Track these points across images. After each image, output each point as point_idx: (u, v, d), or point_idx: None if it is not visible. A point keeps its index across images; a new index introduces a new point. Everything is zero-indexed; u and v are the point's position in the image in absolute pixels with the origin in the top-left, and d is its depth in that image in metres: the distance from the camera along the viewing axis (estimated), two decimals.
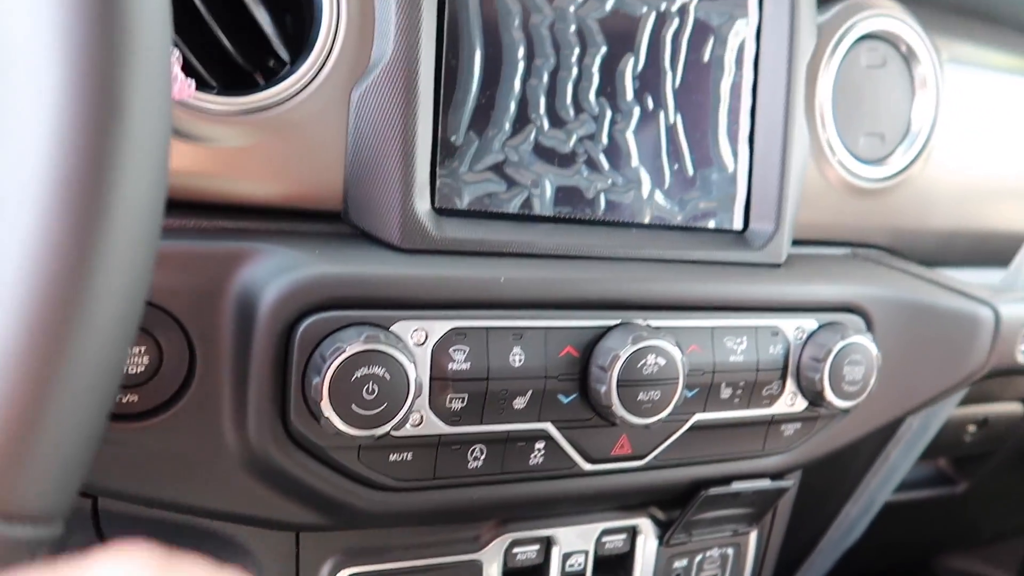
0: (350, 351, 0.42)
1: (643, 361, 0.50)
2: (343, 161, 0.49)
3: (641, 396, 0.50)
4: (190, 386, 0.45)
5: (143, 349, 0.44)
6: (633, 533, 0.62)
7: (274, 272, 0.44)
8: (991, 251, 0.76)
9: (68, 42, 0.19)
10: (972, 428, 0.91)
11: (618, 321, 0.51)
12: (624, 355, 0.49)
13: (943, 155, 0.69)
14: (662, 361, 0.50)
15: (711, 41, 0.58)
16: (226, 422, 0.45)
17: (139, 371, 0.44)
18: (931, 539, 1.15)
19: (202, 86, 0.45)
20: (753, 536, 0.67)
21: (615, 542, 0.61)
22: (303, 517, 0.49)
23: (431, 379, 0.47)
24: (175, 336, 0.44)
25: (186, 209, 0.46)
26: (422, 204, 0.48)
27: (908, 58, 0.66)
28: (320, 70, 0.47)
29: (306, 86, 0.47)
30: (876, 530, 0.90)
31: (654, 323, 0.53)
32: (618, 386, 0.49)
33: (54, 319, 0.19)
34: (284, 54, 0.47)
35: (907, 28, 0.65)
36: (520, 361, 0.49)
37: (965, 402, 0.85)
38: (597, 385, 0.50)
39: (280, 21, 0.49)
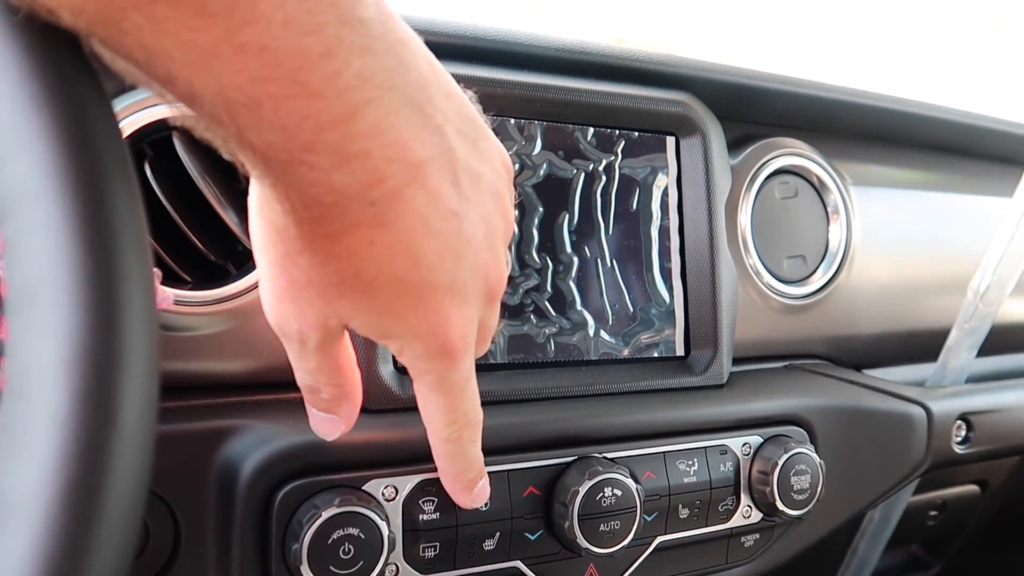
0: (326, 515, 0.46)
1: (600, 494, 0.53)
2: None
3: (603, 527, 0.54)
4: (176, 560, 0.48)
5: None
6: None
7: (253, 446, 0.48)
8: (920, 347, 0.82)
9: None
10: (934, 513, 0.95)
11: (575, 457, 0.56)
12: (582, 491, 0.53)
13: (862, 267, 0.76)
14: (619, 492, 0.54)
15: (637, 192, 0.65)
16: None
17: None
18: None
19: (175, 280, 0.51)
20: None
21: None
22: None
23: (404, 531, 0.50)
24: (161, 514, 0.47)
25: (169, 391, 0.50)
26: (385, 368, 0.53)
27: (818, 188, 0.74)
28: None
29: None
30: None
31: (609, 455, 0.57)
32: (579, 520, 0.53)
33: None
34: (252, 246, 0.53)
35: (812, 163, 0.73)
36: (486, 505, 0.52)
37: (923, 489, 0.89)
38: (560, 520, 0.53)
39: (244, 209, 0.55)
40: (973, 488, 0.96)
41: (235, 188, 0.53)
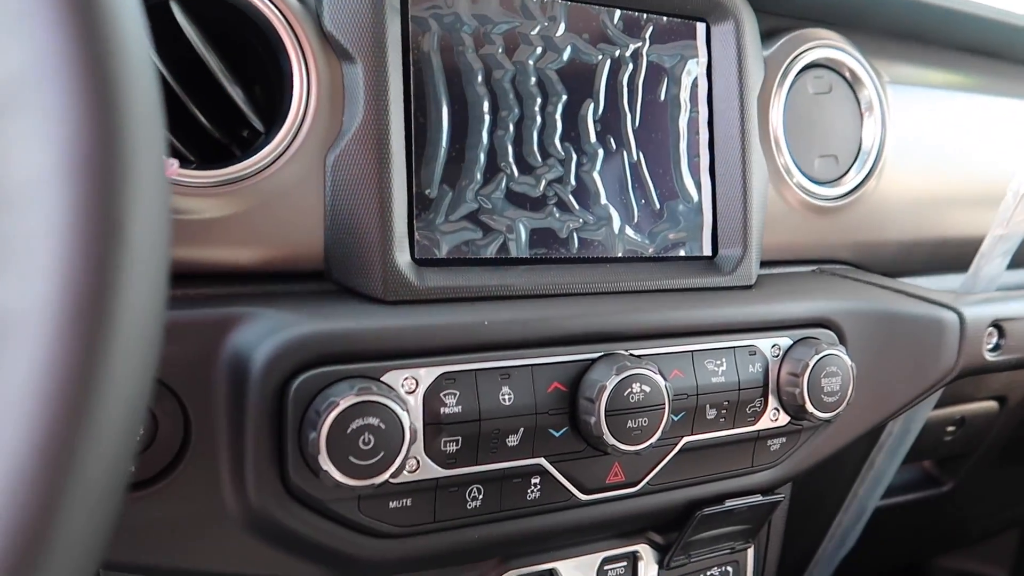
0: (344, 404, 0.43)
1: (629, 390, 0.51)
2: (322, 222, 0.50)
3: (630, 424, 0.51)
4: (187, 452, 0.46)
5: None
6: (634, 559, 0.63)
7: (264, 334, 0.45)
8: (949, 257, 0.79)
9: (69, 154, 0.20)
10: (951, 428, 0.93)
11: (601, 353, 0.53)
12: (610, 386, 0.51)
13: (895, 170, 0.72)
14: (647, 388, 0.52)
15: (665, 81, 0.61)
16: (225, 484, 0.46)
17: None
18: (924, 540, 1.16)
19: (180, 161, 0.47)
20: (751, 552, 0.69)
21: (616, 569, 0.62)
22: (308, 572, 0.50)
23: (424, 425, 0.48)
24: (169, 404, 0.45)
25: (173, 280, 0.47)
26: (402, 257, 0.50)
27: (852, 83, 0.70)
28: (294, 139, 0.49)
29: (281, 154, 0.49)
30: (870, 536, 0.92)
31: (636, 352, 0.54)
32: (606, 416, 0.51)
33: (66, 422, 0.19)
34: (258, 125, 0.49)
35: (848, 56, 0.69)
36: (510, 400, 0.50)
37: (942, 404, 0.87)
38: (586, 417, 0.51)
39: (251, 92, 0.51)
40: (992, 404, 0.95)
41: (241, 63, 0.50)
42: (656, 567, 0.64)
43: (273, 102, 0.51)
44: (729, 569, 0.68)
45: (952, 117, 0.78)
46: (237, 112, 0.49)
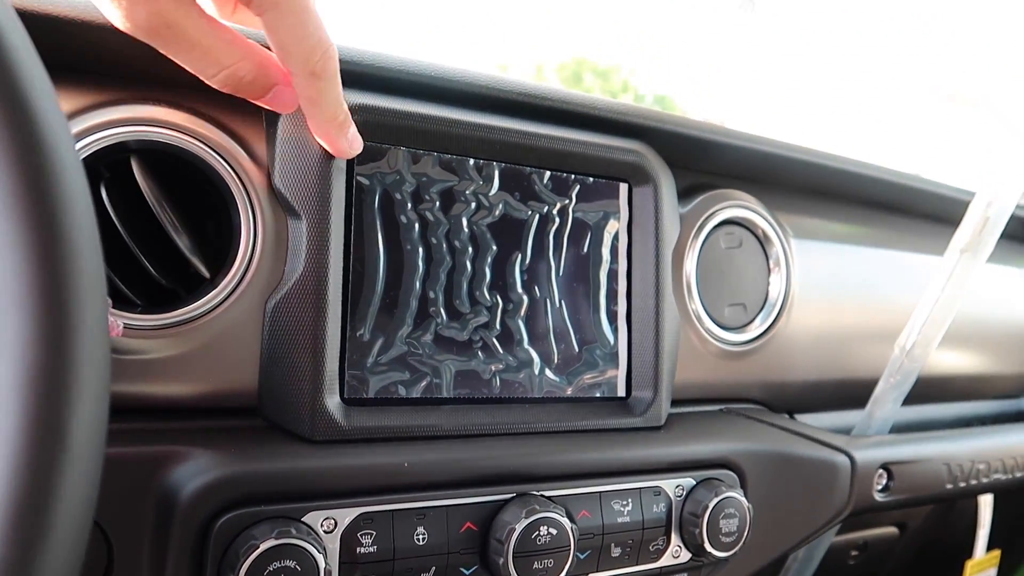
0: (263, 547, 0.46)
1: (536, 532, 0.55)
2: (258, 363, 0.54)
3: (536, 565, 0.55)
4: None
5: None
6: None
7: (192, 473, 0.48)
8: (849, 395, 0.85)
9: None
10: (855, 553, 0.99)
11: (513, 495, 0.57)
12: (519, 528, 0.54)
13: (798, 317, 0.79)
14: (554, 531, 0.55)
15: (589, 236, 0.67)
16: None
17: None
18: None
19: (124, 302, 0.51)
20: None
21: None
22: None
23: (340, 563, 0.51)
24: (94, 537, 0.47)
25: (111, 415, 0.50)
26: (332, 398, 0.54)
27: (762, 240, 0.77)
28: (237, 285, 0.53)
29: (224, 300, 0.53)
30: None
31: (547, 493, 0.58)
32: (514, 557, 0.54)
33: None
34: (204, 272, 0.53)
35: (758, 215, 0.76)
36: (424, 540, 0.53)
37: (846, 529, 0.93)
38: (495, 557, 0.55)
39: (198, 229, 0.55)
40: (892, 530, 1.00)
41: (188, 213, 0.54)
42: None
43: (218, 241, 0.55)
44: None
45: (852, 267, 0.86)
46: (184, 257, 0.53)
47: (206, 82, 0.42)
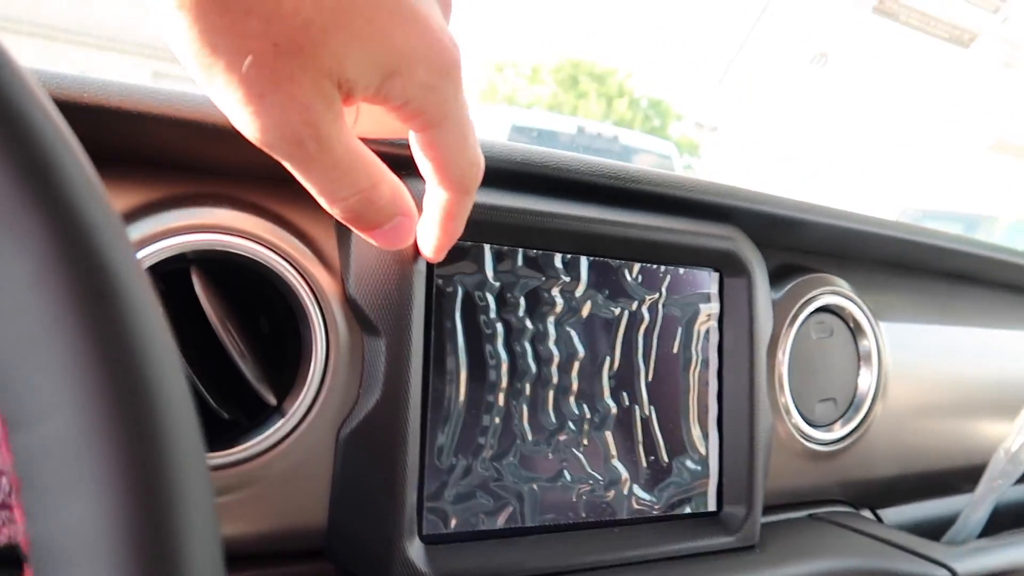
0: None
1: None
2: (327, 499, 0.47)
3: None
4: None
5: None
6: None
7: None
8: (936, 486, 0.79)
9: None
10: None
11: None
12: None
13: (890, 408, 0.73)
14: None
15: (678, 334, 0.60)
16: None
17: None
18: None
19: None
20: None
21: None
22: None
23: None
24: None
25: None
26: (412, 541, 0.47)
27: (853, 329, 0.71)
28: (307, 412, 0.46)
29: (293, 430, 0.45)
30: None
31: None
32: None
33: None
34: (270, 400, 0.46)
35: (851, 303, 0.70)
36: None
37: None
38: None
39: (260, 350, 0.48)
40: None
41: (254, 335, 0.47)
42: None
43: (282, 373, 0.48)
44: None
45: (940, 348, 0.80)
46: (246, 383, 0.46)
47: (327, 207, 0.35)
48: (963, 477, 0.79)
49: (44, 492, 0.19)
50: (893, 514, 0.77)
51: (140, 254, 0.42)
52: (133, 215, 0.43)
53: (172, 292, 0.45)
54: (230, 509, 0.44)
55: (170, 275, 0.45)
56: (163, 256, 0.42)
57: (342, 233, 0.48)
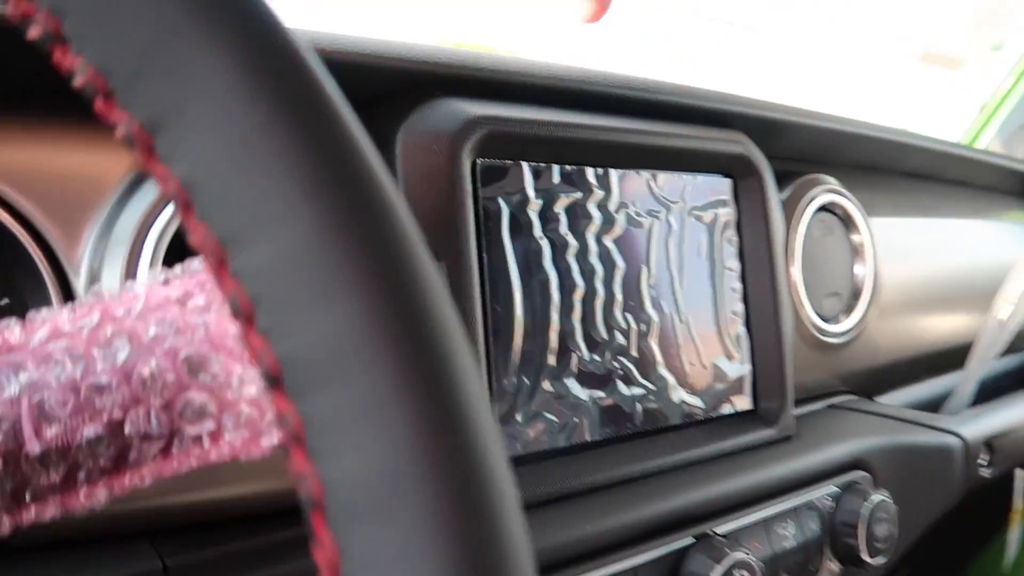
0: None
1: None
2: None
3: None
4: None
5: None
6: None
7: None
8: (926, 368, 0.84)
9: None
10: None
11: (691, 540, 0.51)
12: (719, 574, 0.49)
13: (886, 298, 0.76)
14: (747, 574, 0.50)
15: (704, 240, 0.61)
16: None
17: None
18: None
19: None
20: None
21: None
22: None
23: None
24: None
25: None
26: None
27: (847, 225, 0.73)
28: None
29: None
30: None
31: (720, 530, 0.53)
32: None
33: None
34: None
35: (846, 200, 0.72)
36: None
37: None
38: None
39: None
40: None
41: None
42: None
43: None
44: None
45: (927, 242, 0.84)
46: None
47: None
48: (947, 357, 0.84)
49: (286, 308, 0.18)
50: (888, 399, 0.81)
51: None
52: None
53: None
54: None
55: None
56: None
57: (387, 158, 0.46)
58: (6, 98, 0.36)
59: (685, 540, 0.51)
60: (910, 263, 0.81)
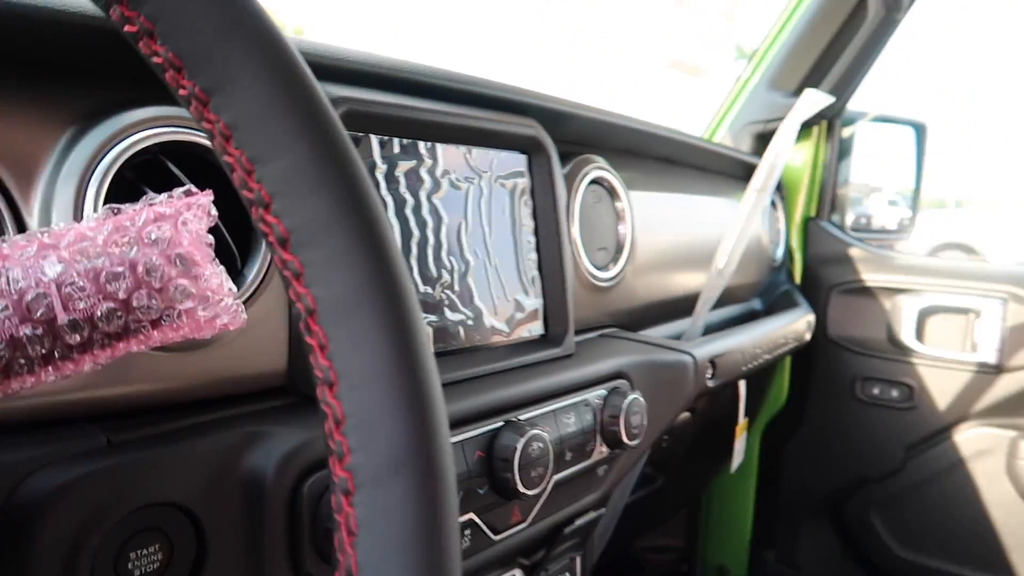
0: None
1: (529, 448, 0.67)
2: (286, 347, 0.58)
3: (532, 474, 0.67)
4: (204, 567, 0.51)
5: (155, 548, 0.49)
6: None
7: (275, 447, 0.53)
8: (671, 311, 1.08)
9: None
10: (666, 437, 1.24)
11: (502, 423, 0.68)
12: (519, 447, 0.66)
13: (640, 253, 0.99)
14: (541, 445, 0.68)
15: (507, 202, 0.78)
16: None
17: (152, 569, 0.49)
18: (643, 523, 1.48)
19: None
20: (579, 558, 0.88)
21: None
22: None
23: None
24: (182, 526, 0.50)
25: (180, 410, 0.52)
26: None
27: (612, 195, 0.94)
28: (265, 275, 0.56)
29: (256, 288, 0.56)
30: (618, 528, 1.18)
31: (523, 417, 0.71)
32: (520, 469, 0.66)
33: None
34: (238, 263, 0.56)
35: (610, 175, 0.93)
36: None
37: None
38: (503, 474, 0.66)
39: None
40: (687, 415, 1.28)
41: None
42: None
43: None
44: (567, 573, 0.86)
45: (668, 211, 1.08)
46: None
47: None
48: (688, 302, 1.08)
49: (293, 201, 0.31)
50: (645, 334, 1.04)
51: (129, 140, 0.49)
52: (95, 116, 0.50)
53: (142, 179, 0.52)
54: (202, 360, 0.54)
55: (141, 167, 0.52)
56: (141, 146, 0.50)
57: None
58: None
59: (498, 423, 0.68)
60: (660, 228, 1.05)
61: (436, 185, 0.71)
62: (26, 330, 0.36)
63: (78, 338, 0.37)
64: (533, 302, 0.81)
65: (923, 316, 1.46)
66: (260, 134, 0.32)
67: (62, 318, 0.37)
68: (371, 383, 0.30)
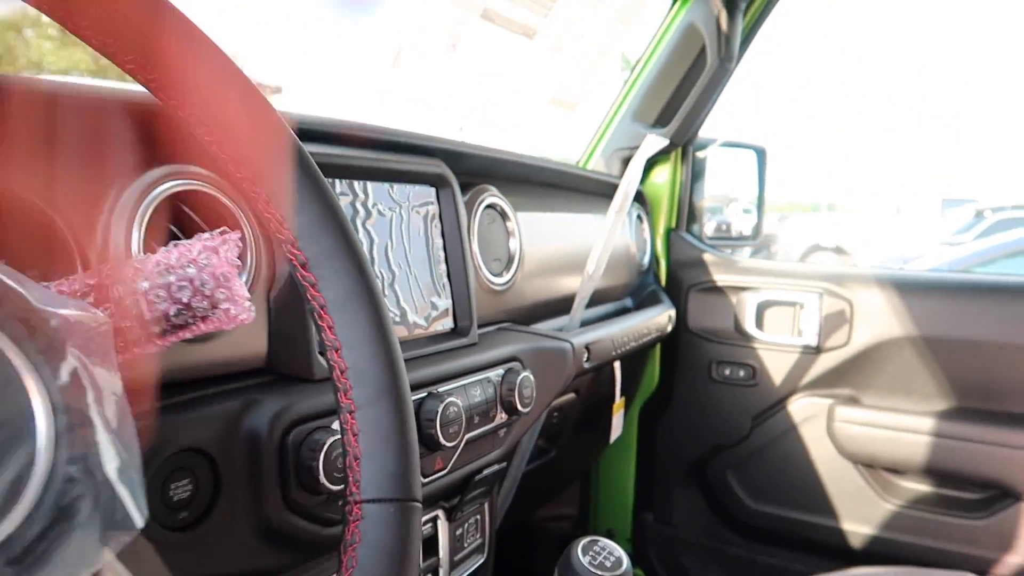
0: (330, 441, 0.74)
1: (447, 411, 0.90)
2: (266, 336, 0.79)
3: (451, 430, 0.90)
4: (219, 497, 0.70)
5: (187, 481, 0.68)
6: (435, 521, 1.00)
7: (267, 412, 0.73)
8: (555, 309, 1.33)
9: None
10: (556, 413, 1.49)
11: (426, 393, 0.91)
12: (441, 409, 0.88)
13: (527, 262, 1.23)
14: (455, 409, 0.91)
15: (422, 225, 1.01)
16: (247, 511, 0.72)
17: (186, 495, 0.68)
18: (539, 494, 1.72)
19: None
20: (487, 504, 1.11)
21: (427, 530, 0.99)
22: (289, 557, 0.77)
23: None
24: (203, 465, 0.70)
25: (195, 384, 0.72)
26: (317, 354, 0.81)
27: (503, 217, 1.18)
28: (250, 285, 0.77)
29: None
30: (520, 496, 1.42)
31: (441, 389, 0.93)
32: (441, 426, 0.88)
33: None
34: None
35: (502, 201, 1.17)
36: None
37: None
38: (429, 431, 0.88)
39: None
40: (572, 395, 1.53)
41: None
42: (446, 523, 1.02)
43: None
44: (478, 516, 1.09)
45: (549, 228, 1.33)
46: None
47: None
48: (567, 302, 1.34)
49: (318, 260, 0.53)
50: (533, 328, 1.29)
51: (156, 191, 0.69)
52: (134, 172, 0.69)
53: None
54: (206, 348, 0.74)
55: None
56: (171, 192, 0.70)
57: None
58: None
59: (423, 394, 0.90)
60: (543, 241, 1.29)
61: (368, 214, 0.92)
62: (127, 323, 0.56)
63: (158, 328, 0.57)
64: (444, 302, 1.03)
65: (761, 309, 1.78)
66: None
67: (147, 314, 0.57)
68: (361, 347, 0.52)
